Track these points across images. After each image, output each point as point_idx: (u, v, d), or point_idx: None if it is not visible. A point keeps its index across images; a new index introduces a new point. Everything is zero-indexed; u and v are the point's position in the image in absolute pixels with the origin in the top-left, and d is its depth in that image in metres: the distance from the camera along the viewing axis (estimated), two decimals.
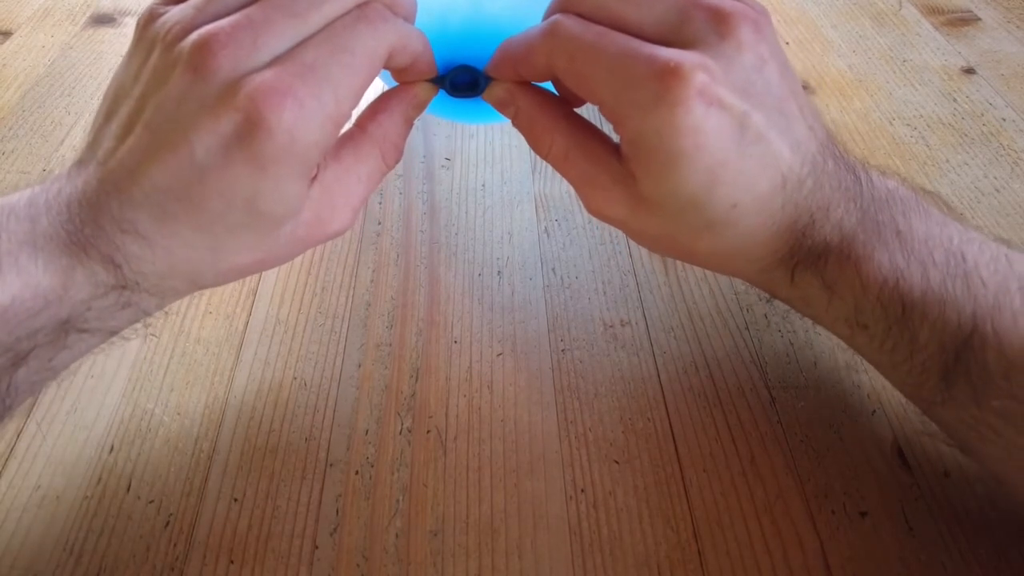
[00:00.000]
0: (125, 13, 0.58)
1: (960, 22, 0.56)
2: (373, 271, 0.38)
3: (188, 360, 0.34)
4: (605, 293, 0.37)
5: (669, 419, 0.31)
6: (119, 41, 0.55)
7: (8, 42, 0.54)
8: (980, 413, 0.24)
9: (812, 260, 0.26)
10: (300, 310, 0.36)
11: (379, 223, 0.40)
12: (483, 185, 0.43)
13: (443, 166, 0.44)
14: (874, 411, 0.31)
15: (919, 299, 0.24)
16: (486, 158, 0.45)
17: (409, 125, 0.29)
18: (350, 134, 0.27)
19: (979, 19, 0.56)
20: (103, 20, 0.57)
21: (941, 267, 0.25)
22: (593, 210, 0.27)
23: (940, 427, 0.27)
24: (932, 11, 0.57)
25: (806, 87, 0.50)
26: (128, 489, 0.29)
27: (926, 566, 0.27)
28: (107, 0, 0.59)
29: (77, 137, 0.46)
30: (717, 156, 0.23)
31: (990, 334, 0.24)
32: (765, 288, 0.29)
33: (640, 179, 0.25)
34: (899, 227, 0.25)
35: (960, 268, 0.25)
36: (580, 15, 0.25)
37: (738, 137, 0.23)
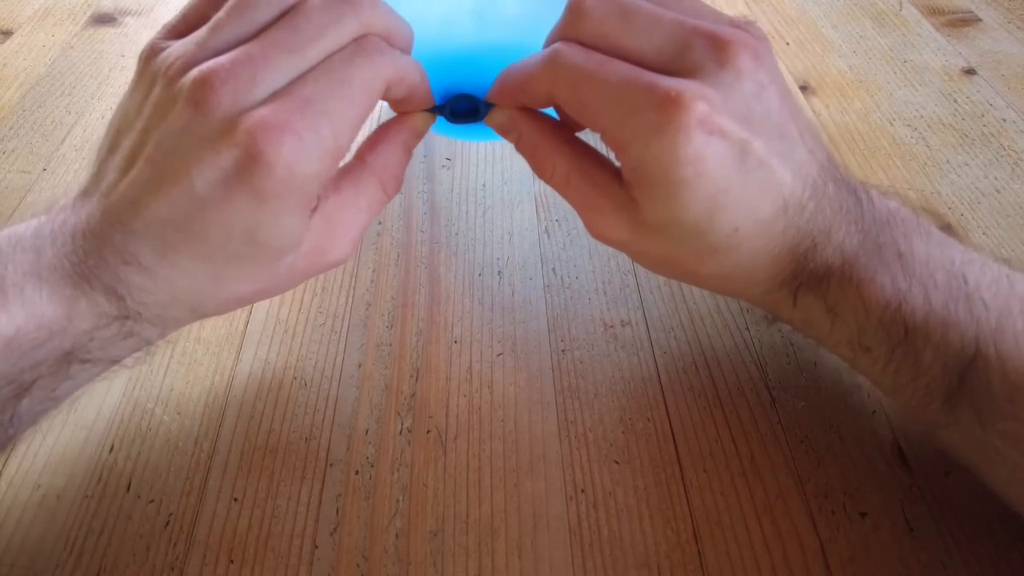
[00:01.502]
0: (126, 13, 0.58)
1: (961, 23, 0.56)
2: (373, 271, 0.38)
3: (188, 359, 0.34)
4: (605, 293, 0.37)
5: (669, 419, 0.31)
6: (119, 41, 0.54)
7: (8, 42, 0.54)
8: (985, 436, 0.24)
9: (814, 283, 0.26)
10: (300, 310, 0.36)
11: (379, 223, 0.40)
12: (483, 185, 0.43)
13: (443, 166, 0.44)
14: (874, 411, 0.31)
15: (921, 322, 0.24)
16: (486, 158, 0.44)
17: (408, 155, 0.29)
18: (350, 166, 0.27)
19: (980, 20, 0.56)
20: (103, 20, 0.57)
21: (943, 289, 0.24)
22: (595, 233, 0.28)
23: (945, 449, 0.27)
24: (933, 11, 0.57)
25: (806, 87, 0.50)
26: (128, 488, 0.29)
27: (926, 566, 0.27)
28: (107, 0, 0.59)
29: (77, 137, 0.46)
30: (719, 183, 0.23)
31: (993, 357, 0.23)
32: (768, 309, 0.29)
33: (642, 205, 0.25)
34: (900, 249, 0.25)
35: (962, 290, 0.24)
36: (581, 43, 0.25)
37: (739, 164, 0.23)
